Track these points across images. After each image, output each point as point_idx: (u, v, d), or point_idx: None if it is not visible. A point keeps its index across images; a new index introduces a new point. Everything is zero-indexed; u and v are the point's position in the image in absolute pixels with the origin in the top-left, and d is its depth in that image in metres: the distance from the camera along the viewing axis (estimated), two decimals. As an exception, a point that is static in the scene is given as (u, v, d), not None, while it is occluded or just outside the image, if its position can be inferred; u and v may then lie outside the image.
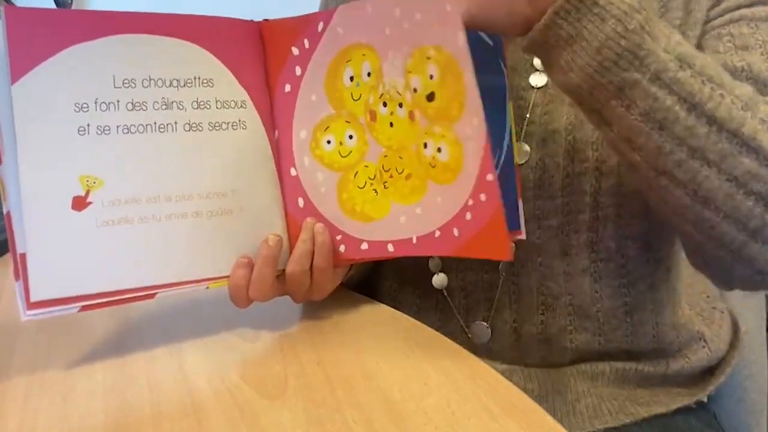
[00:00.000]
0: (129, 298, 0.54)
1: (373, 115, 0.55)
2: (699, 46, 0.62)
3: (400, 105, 0.54)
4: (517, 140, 0.62)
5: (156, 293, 0.55)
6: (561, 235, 0.64)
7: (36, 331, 0.61)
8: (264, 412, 0.48)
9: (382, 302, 0.65)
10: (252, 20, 0.59)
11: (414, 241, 0.55)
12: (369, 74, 0.55)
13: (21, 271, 0.50)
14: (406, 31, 0.51)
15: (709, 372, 0.73)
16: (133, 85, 0.53)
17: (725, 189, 0.50)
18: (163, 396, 0.50)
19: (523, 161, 0.63)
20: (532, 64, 0.65)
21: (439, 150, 0.51)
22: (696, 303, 0.75)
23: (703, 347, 0.71)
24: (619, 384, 0.67)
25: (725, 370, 0.73)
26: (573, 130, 0.62)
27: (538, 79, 0.65)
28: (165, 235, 0.55)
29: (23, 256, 0.50)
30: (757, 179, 0.49)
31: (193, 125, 0.56)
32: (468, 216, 0.50)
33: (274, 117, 0.60)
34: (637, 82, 0.48)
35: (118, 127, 0.53)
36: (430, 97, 0.51)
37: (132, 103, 0.53)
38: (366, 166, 0.57)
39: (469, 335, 0.68)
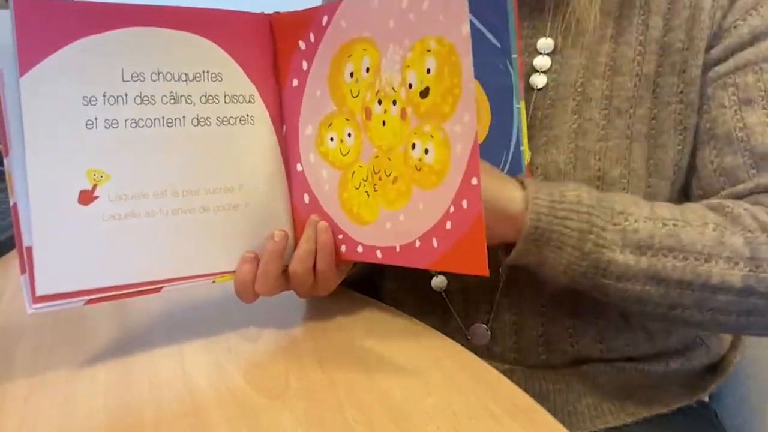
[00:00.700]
0: (135, 291, 0.54)
1: (368, 113, 0.54)
2: (703, 84, 0.63)
3: (394, 102, 0.52)
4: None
5: (162, 287, 0.55)
6: None
7: (37, 331, 0.61)
8: (265, 412, 0.48)
9: (383, 303, 0.65)
10: (263, 13, 0.58)
11: (397, 249, 0.54)
12: (367, 70, 0.54)
13: (27, 265, 0.50)
14: (411, 23, 0.50)
15: (709, 371, 0.73)
16: (141, 79, 0.53)
17: (709, 317, 0.57)
18: (164, 396, 0.50)
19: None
20: (532, 65, 0.64)
21: (426, 151, 0.50)
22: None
23: (702, 346, 0.71)
24: (619, 383, 0.67)
25: (726, 370, 0.73)
26: (576, 138, 0.62)
27: (538, 80, 0.64)
28: (171, 229, 0.55)
29: (29, 249, 0.50)
30: (739, 304, 0.55)
31: (202, 120, 0.55)
32: (448, 225, 0.49)
33: (283, 112, 0.59)
34: (605, 285, 0.56)
35: (126, 121, 0.53)
36: (424, 93, 0.50)
37: (140, 97, 0.53)
38: (360, 167, 0.56)
39: (469, 337, 0.68)
